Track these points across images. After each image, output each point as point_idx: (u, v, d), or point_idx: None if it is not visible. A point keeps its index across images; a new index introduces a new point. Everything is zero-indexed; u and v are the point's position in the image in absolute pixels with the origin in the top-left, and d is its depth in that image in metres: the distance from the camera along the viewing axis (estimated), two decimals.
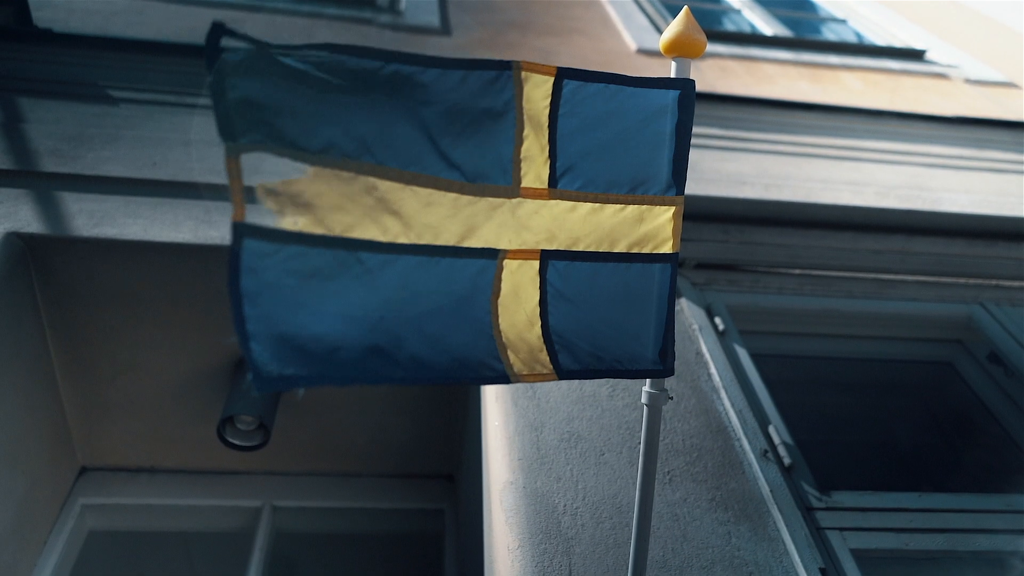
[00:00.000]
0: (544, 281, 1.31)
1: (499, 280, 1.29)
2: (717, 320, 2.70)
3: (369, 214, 1.19)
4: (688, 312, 2.72)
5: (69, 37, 3.52)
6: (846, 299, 3.03)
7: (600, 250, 1.32)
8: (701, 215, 3.09)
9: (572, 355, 1.34)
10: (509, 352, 1.31)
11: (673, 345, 1.36)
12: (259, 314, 1.14)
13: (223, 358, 2.87)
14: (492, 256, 1.29)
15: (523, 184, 1.28)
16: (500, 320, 1.30)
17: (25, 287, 2.55)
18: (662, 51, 1.31)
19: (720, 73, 4.68)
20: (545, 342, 1.32)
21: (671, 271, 1.34)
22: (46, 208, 2.61)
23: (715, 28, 6.09)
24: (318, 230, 1.15)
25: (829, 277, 3.09)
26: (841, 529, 2.05)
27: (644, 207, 1.31)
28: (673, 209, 1.31)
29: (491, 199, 1.27)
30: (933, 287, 3.15)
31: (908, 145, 3.99)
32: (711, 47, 5.04)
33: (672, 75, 1.31)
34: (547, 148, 1.29)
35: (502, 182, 1.28)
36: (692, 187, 3.13)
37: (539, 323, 1.32)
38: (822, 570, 1.90)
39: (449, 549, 3.08)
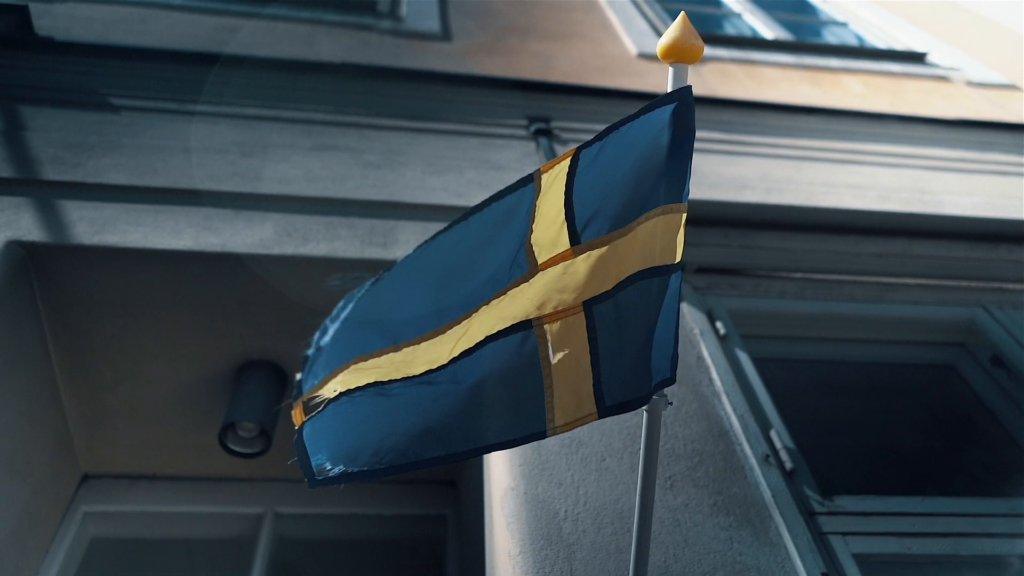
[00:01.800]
0: (592, 329, 1.33)
1: (544, 345, 1.33)
2: (718, 324, 2.69)
3: (400, 368, 1.42)
4: (689, 316, 2.71)
5: (70, 45, 3.54)
6: (848, 303, 3.02)
7: (631, 274, 1.31)
8: (702, 219, 3.08)
9: (615, 390, 1.34)
10: (556, 410, 1.34)
11: (677, 351, 1.35)
12: (317, 437, 1.44)
13: (224, 365, 2.87)
14: (527, 327, 1.33)
15: (540, 261, 1.33)
16: (555, 382, 1.33)
17: (26, 295, 2.55)
18: (659, 57, 1.30)
19: (721, 77, 4.68)
20: (594, 386, 1.34)
21: (679, 278, 1.34)
22: (47, 216, 2.61)
23: (716, 32, 6.09)
24: (356, 383, 1.44)
25: (831, 281, 3.09)
26: (843, 534, 2.04)
27: (655, 219, 1.30)
28: (680, 216, 1.30)
29: (512, 291, 1.35)
30: (935, 290, 3.15)
31: (910, 148, 3.98)
32: (712, 51, 5.04)
33: (669, 80, 1.30)
34: (563, 212, 1.33)
35: (518, 274, 1.35)
36: (694, 191, 3.13)
37: (591, 372, 1.33)
38: (824, 575, 1.89)
39: (451, 555, 3.07)
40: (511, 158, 3.32)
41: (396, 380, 1.40)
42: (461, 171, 3.17)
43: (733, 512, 2.03)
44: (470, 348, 1.35)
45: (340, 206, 2.87)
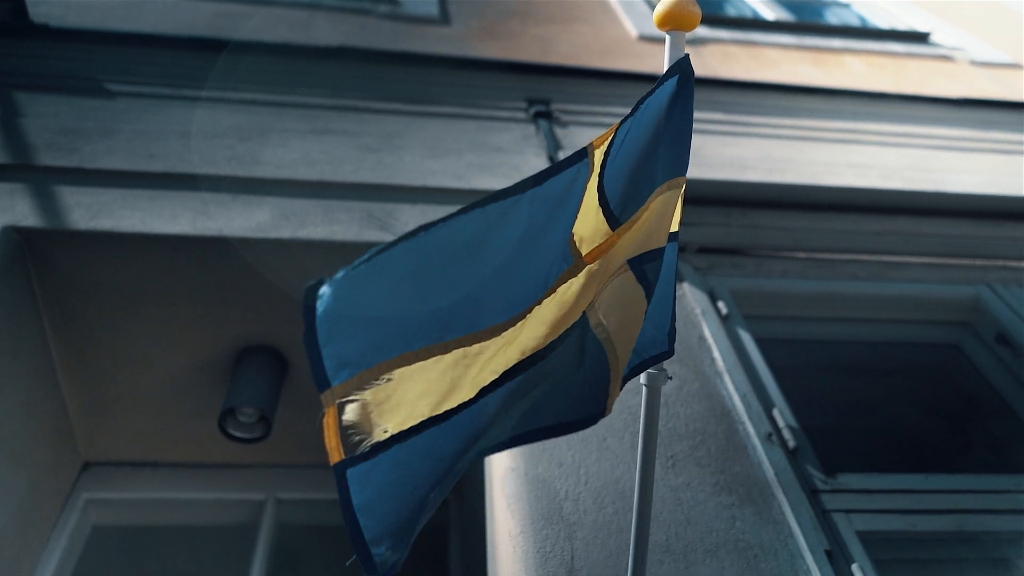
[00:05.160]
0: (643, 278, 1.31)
1: (605, 335, 1.28)
2: (720, 304, 2.67)
3: (458, 383, 1.23)
4: (691, 296, 2.69)
5: (66, 32, 3.51)
6: (850, 282, 3.00)
7: (640, 254, 1.30)
8: (703, 199, 3.06)
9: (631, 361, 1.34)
10: (612, 383, 1.31)
11: (675, 324, 1.35)
12: (375, 522, 1.19)
13: (223, 350, 2.86)
14: (585, 326, 1.29)
15: (584, 253, 1.26)
16: (612, 366, 1.30)
17: (23, 281, 2.54)
18: (656, 25, 1.28)
19: (722, 58, 4.64)
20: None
21: (675, 249, 1.33)
22: (43, 202, 2.59)
23: (717, 13, 6.04)
24: (409, 423, 1.19)
25: (833, 260, 3.06)
26: (847, 511, 2.02)
27: (668, 193, 1.29)
28: (680, 190, 1.29)
29: (561, 288, 1.26)
30: (939, 269, 3.12)
31: (913, 127, 3.95)
32: (714, 32, 5.00)
33: (666, 48, 1.28)
34: (597, 197, 1.27)
35: (565, 268, 1.26)
36: (694, 171, 3.10)
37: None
38: (828, 552, 1.88)
39: (453, 536, 3.06)
40: (510, 141, 3.30)
41: (451, 410, 1.22)
42: (460, 154, 3.15)
43: (735, 491, 2.01)
44: (524, 360, 1.24)
45: (338, 190, 2.85)
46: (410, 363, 1.20)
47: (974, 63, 5.22)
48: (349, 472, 1.16)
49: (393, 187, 2.89)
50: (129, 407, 2.96)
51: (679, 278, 2.77)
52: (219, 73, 3.38)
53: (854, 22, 6.51)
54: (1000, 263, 3.18)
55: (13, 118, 2.96)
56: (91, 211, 2.57)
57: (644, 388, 1.38)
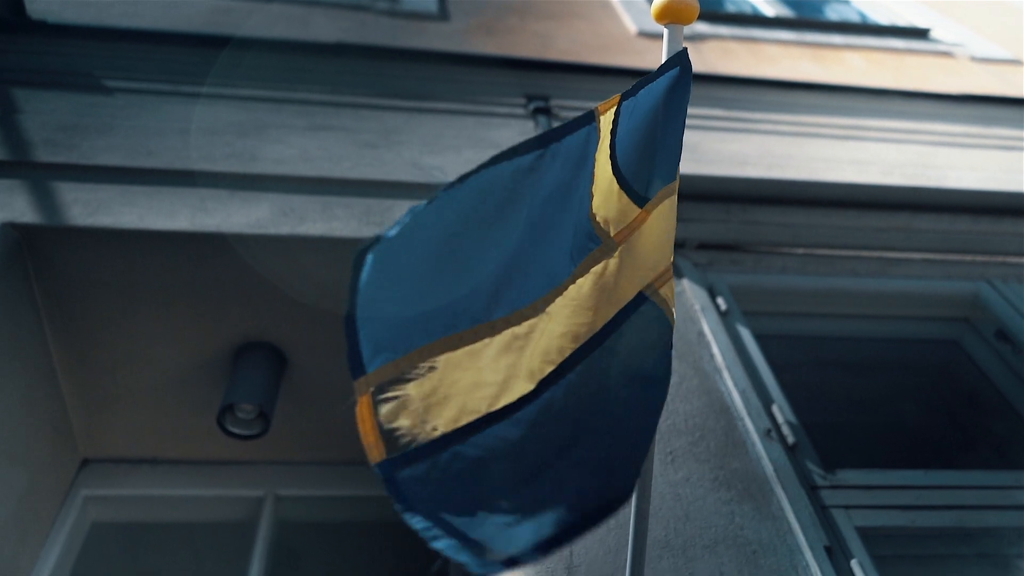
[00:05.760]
0: None
1: (664, 304, 1.19)
2: (719, 300, 2.67)
3: (514, 372, 1.13)
4: (690, 292, 2.68)
5: (63, 28, 3.50)
6: (850, 278, 2.99)
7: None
8: (703, 195, 3.05)
9: None
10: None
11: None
12: (441, 520, 1.07)
13: (222, 346, 2.85)
14: (641, 300, 1.19)
15: (613, 233, 1.20)
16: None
17: (21, 278, 2.54)
18: (654, 18, 1.28)
19: (722, 54, 4.63)
20: None
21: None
22: (41, 198, 2.59)
23: (717, 10, 6.03)
24: (464, 420, 1.08)
25: (833, 256, 3.06)
26: (846, 507, 2.02)
27: (667, 202, 1.27)
28: (675, 194, 1.28)
29: (595, 269, 1.18)
30: (939, 264, 3.12)
31: (913, 123, 3.94)
32: (713, 29, 4.99)
33: (664, 41, 1.28)
34: (611, 171, 1.22)
35: (593, 247, 1.20)
36: (693, 167, 3.10)
37: None
38: (827, 548, 1.88)
39: None
40: (509, 137, 3.29)
41: (512, 405, 1.10)
42: (459, 150, 3.14)
43: (735, 486, 2.01)
44: (580, 348, 1.15)
45: (337, 186, 2.84)
46: (455, 348, 1.10)
47: (974, 59, 5.21)
48: (399, 474, 1.05)
49: (391, 183, 2.88)
50: (128, 404, 2.95)
51: (678, 274, 2.76)
52: (217, 69, 3.37)
53: (854, 18, 6.50)
54: (1000, 259, 3.18)
55: (11, 114, 2.95)
56: (89, 208, 2.56)
57: None
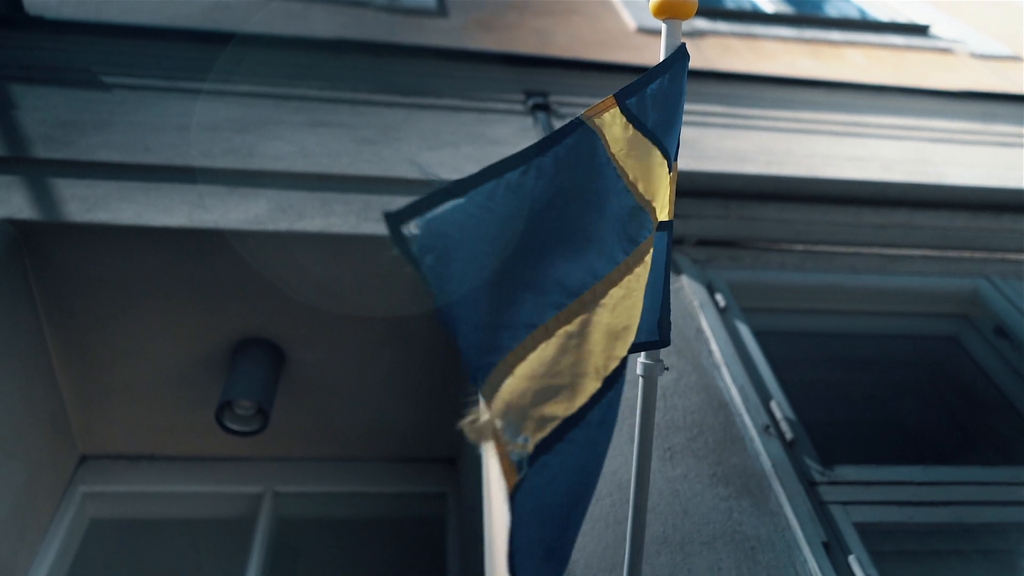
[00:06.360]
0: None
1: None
2: (718, 297, 2.66)
3: (581, 370, 1.02)
4: (689, 289, 2.68)
5: (61, 23, 3.50)
6: (849, 274, 2.99)
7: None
8: (701, 191, 3.04)
9: None
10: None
11: (669, 314, 1.33)
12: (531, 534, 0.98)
13: (220, 343, 2.85)
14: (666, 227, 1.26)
15: (660, 216, 1.21)
16: None
17: (19, 274, 2.53)
18: (652, 13, 1.27)
19: (721, 51, 4.62)
20: None
21: (669, 238, 1.31)
22: (39, 194, 2.58)
23: (716, 6, 6.02)
24: (547, 428, 0.96)
25: (832, 252, 3.06)
26: (844, 503, 2.02)
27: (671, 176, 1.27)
28: (673, 176, 1.28)
29: (646, 258, 1.16)
30: (938, 261, 3.11)
31: (912, 120, 3.94)
32: (713, 25, 4.98)
33: (663, 36, 1.27)
34: (650, 144, 1.20)
35: (644, 237, 1.16)
36: (692, 163, 3.10)
37: None
38: (825, 544, 1.88)
39: (451, 533, 3.06)
40: (508, 133, 3.29)
41: (585, 406, 1.01)
42: (457, 146, 3.14)
43: (733, 482, 2.01)
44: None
45: (335, 182, 2.84)
46: (542, 340, 0.98)
47: (974, 55, 5.21)
48: (519, 506, 0.92)
49: (390, 179, 2.88)
50: (126, 400, 2.95)
51: (676, 270, 2.76)
52: (216, 65, 3.36)
53: (853, 15, 6.49)
54: (999, 256, 3.18)
55: (8, 110, 2.94)
56: (87, 204, 2.56)
57: (641, 379, 1.37)
